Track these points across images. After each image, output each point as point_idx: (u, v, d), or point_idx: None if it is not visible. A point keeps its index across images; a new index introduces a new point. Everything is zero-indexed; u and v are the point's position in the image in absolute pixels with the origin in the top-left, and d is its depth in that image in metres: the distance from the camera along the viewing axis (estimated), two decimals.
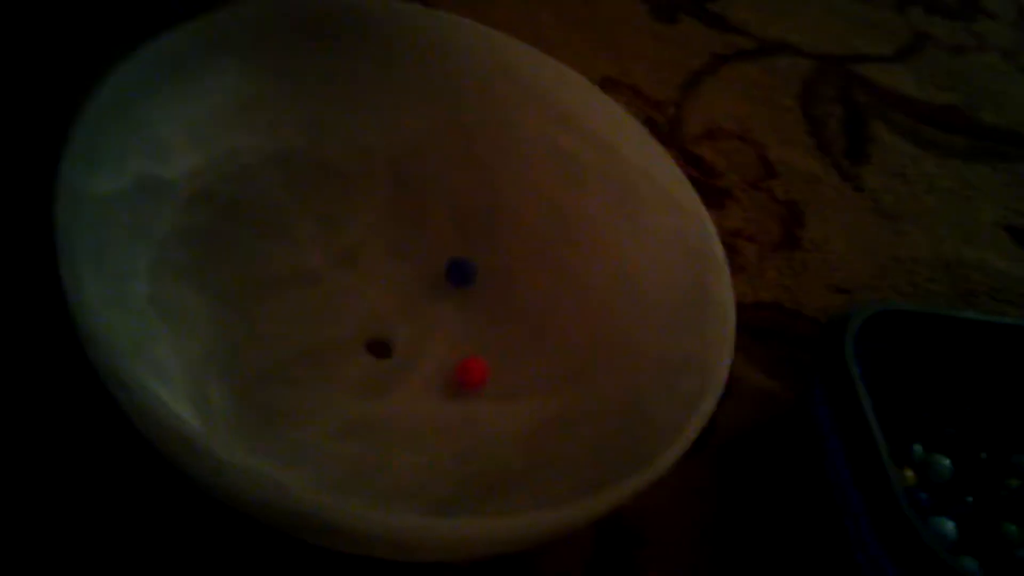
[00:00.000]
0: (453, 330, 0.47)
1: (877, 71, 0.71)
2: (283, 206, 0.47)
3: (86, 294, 0.33)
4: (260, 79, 0.46)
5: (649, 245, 0.45)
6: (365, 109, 0.48)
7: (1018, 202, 0.65)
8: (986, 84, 0.73)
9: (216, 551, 0.38)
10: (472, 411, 0.44)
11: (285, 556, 0.39)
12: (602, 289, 0.46)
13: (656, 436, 0.38)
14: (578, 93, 0.49)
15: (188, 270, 0.43)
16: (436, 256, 0.49)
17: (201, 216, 0.44)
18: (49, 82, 0.50)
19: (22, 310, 0.42)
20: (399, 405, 0.44)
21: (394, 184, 0.49)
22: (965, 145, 0.68)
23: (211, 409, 0.40)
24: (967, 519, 0.46)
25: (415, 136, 0.49)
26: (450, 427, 0.43)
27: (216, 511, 0.37)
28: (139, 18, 0.53)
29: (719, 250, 0.43)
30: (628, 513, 0.44)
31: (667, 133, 0.61)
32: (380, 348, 0.46)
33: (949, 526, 0.44)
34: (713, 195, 0.59)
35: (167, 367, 0.40)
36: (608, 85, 0.63)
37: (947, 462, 0.47)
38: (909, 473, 0.46)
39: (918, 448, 0.48)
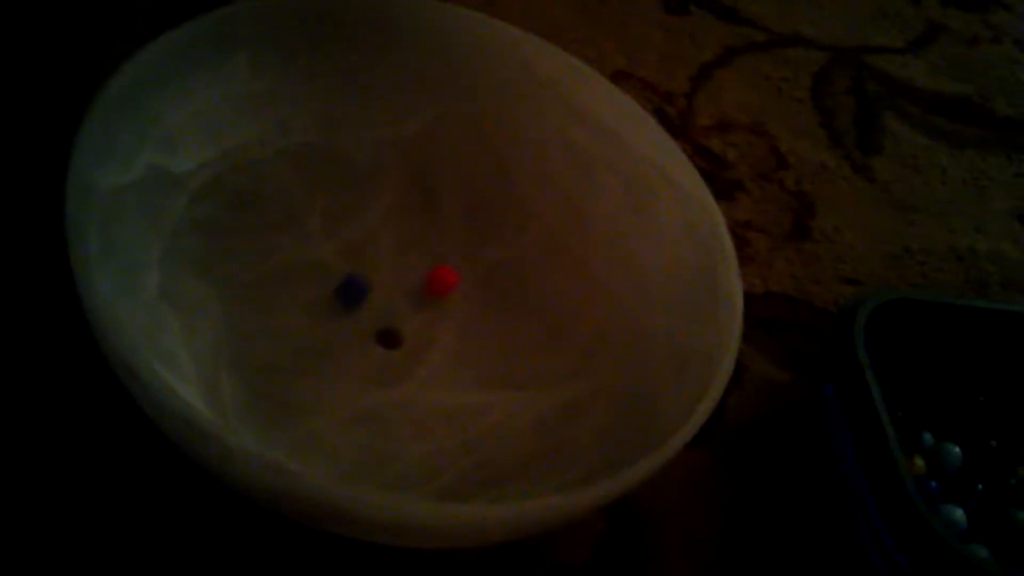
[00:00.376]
0: (462, 320, 0.47)
1: (890, 62, 0.71)
2: (293, 199, 0.47)
3: (97, 285, 0.34)
4: (271, 72, 0.46)
5: (659, 237, 0.45)
6: (376, 102, 0.49)
7: None
8: (1000, 75, 0.73)
9: (226, 538, 0.39)
10: (482, 400, 0.44)
11: (292, 543, 0.39)
12: (612, 280, 0.47)
13: (664, 424, 0.38)
14: (589, 86, 0.49)
15: (199, 262, 0.43)
16: (447, 248, 0.49)
17: (212, 208, 0.45)
18: (61, 74, 0.51)
19: (33, 302, 0.43)
20: (409, 395, 0.44)
21: (404, 176, 0.50)
22: (978, 136, 0.68)
23: (221, 399, 0.41)
24: (977, 507, 0.46)
25: (426, 129, 0.50)
26: (459, 416, 0.44)
27: (226, 498, 0.37)
28: (151, 11, 0.54)
29: (728, 242, 0.43)
30: (638, 501, 0.44)
31: (678, 125, 0.61)
32: (390, 338, 0.46)
33: (959, 514, 0.44)
34: (724, 187, 0.59)
35: (178, 357, 0.40)
36: (619, 77, 0.63)
37: (957, 450, 0.47)
38: (919, 461, 0.46)
39: (928, 436, 0.48)
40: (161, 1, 0.53)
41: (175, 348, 0.40)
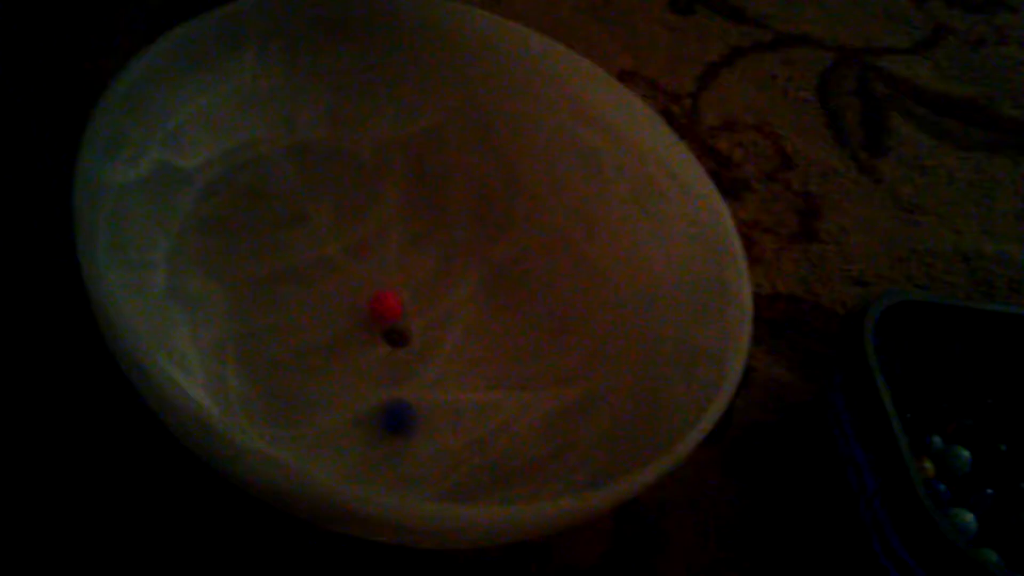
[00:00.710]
0: (469, 320, 0.47)
1: (896, 63, 0.71)
2: (300, 196, 0.47)
3: (105, 282, 0.33)
4: (278, 69, 0.46)
5: (667, 237, 0.45)
6: (383, 100, 0.49)
7: None
8: (1006, 77, 0.73)
9: (233, 536, 0.38)
10: (489, 400, 0.44)
11: (300, 542, 0.39)
12: (619, 280, 0.46)
13: (673, 425, 0.38)
14: (596, 85, 0.48)
15: (206, 259, 0.43)
16: (453, 244, 0.49)
17: (219, 205, 0.44)
18: (68, 71, 0.51)
19: (41, 298, 0.43)
20: (416, 394, 0.44)
21: (411, 175, 0.49)
22: (984, 138, 0.67)
23: (228, 396, 0.40)
24: (987, 511, 0.45)
25: (433, 127, 0.49)
26: (467, 415, 0.44)
27: (233, 496, 0.37)
28: (158, 7, 0.54)
29: (737, 242, 0.43)
30: (645, 501, 0.44)
31: (684, 125, 0.61)
32: (397, 337, 0.46)
33: (969, 518, 0.44)
34: (730, 186, 0.59)
35: (185, 355, 0.40)
36: (625, 77, 0.62)
37: (966, 454, 0.47)
38: (928, 465, 0.46)
39: (937, 440, 0.47)
40: None
41: (182, 345, 0.40)
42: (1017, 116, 0.70)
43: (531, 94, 0.49)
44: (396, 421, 0.42)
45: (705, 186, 0.45)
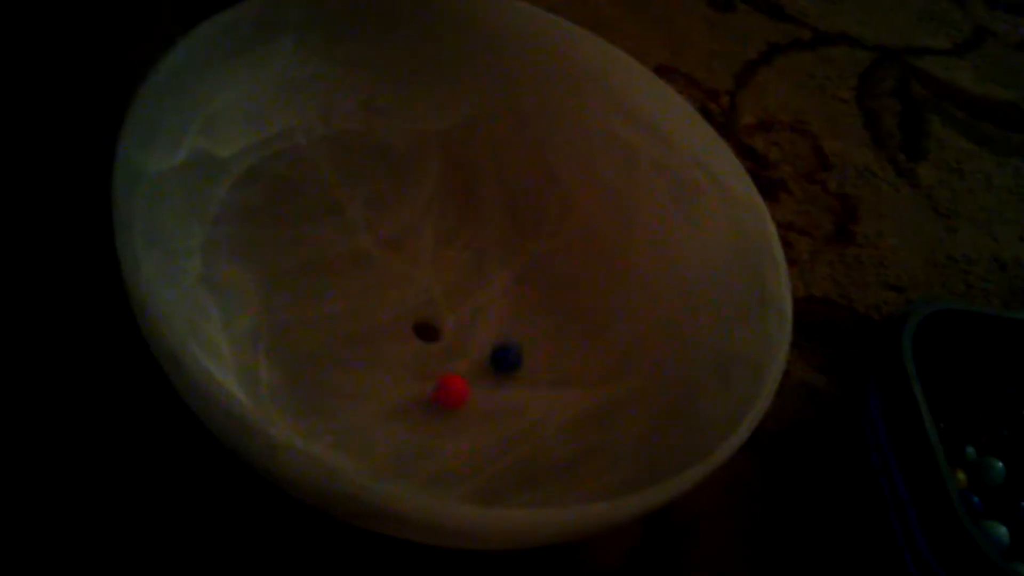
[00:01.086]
0: (502, 315, 0.47)
1: (935, 64, 0.70)
2: (334, 187, 0.47)
3: (142, 270, 0.33)
4: (315, 58, 0.45)
5: (705, 238, 0.45)
6: (419, 91, 0.48)
7: None
8: None
9: (264, 530, 0.38)
10: (519, 398, 0.44)
11: (330, 538, 0.39)
12: (655, 279, 0.46)
13: (708, 431, 0.38)
14: (635, 80, 0.48)
15: (239, 248, 0.43)
16: (487, 240, 0.48)
17: (253, 195, 0.44)
18: (107, 58, 0.50)
19: (78, 285, 0.42)
20: None
21: (446, 167, 0.49)
22: (1023, 143, 0.67)
23: (259, 387, 0.40)
24: (1020, 524, 0.45)
25: (468, 119, 0.49)
26: (497, 414, 0.43)
27: (265, 491, 0.36)
28: None
29: (777, 245, 0.42)
30: (674, 505, 0.43)
31: (721, 123, 0.61)
32: (428, 332, 0.45)
33: (1002, 531, 0.44)
34: (767, 187, 0.58)
35: (217, 344, 0.40)
36: (662, 73, 0.62)
37: (1000, 465, 0.46)
38: (961, 475, 0.46)
39: (971, 450, 0.47)
40: None
41: (215, 335, 0.40)
42: None
43: (568, 88, 0.49)
44: (505, 359, 0.44)
45: (746, 187, 0.44)
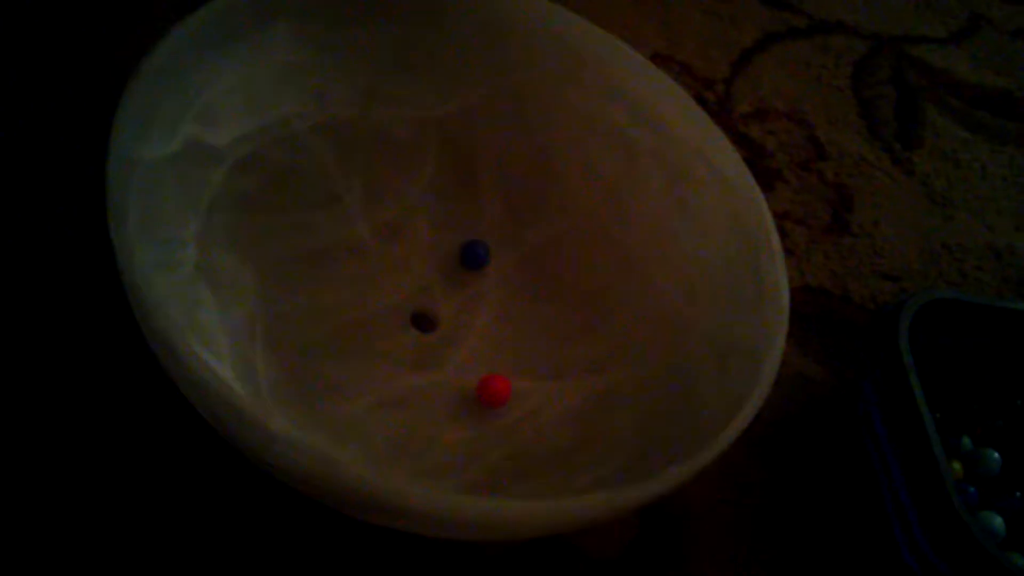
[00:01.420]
0: (499, 305, 0.46)
1: (931, 53, 0.70)
2: (331, 175, 0.47)
3: (137, 260, 0.33)
4: (312, 44, 0.45)
5: (702, 227, 0.45)
6: (417, 78, 0.48)
7: None
8: None
9: (258, 520, 0.38)
10: (518, 388, 0.44)
11: (326, 526, 0.39)
12: (651, 268, 0.46)
13: (705, 422, 0.38)
14: (632, 68, 0.48)
15: (235, 237, 0.43)
16: (484, 228, 0.48)
17: (249, 183, 0.44)
18: (99, 46, 0.50)
19: (72, 276, 0.42)
20: (443, 380, 0.44)
21: (443, 155, 0.49)
22: (1019, 131, 0.66)
23: (256, 378, 0.40)
24: (1016, 515, 0.45)
25: (465, 107, 0.49)
26: None
27: (259, 481, 0.36)
28: None
29: (774, 234, 0.42)
30: (671, 495, 0.43)
31: (716, 111, 0.60)
32: (425, 322, 0.45)
33: (997, 521, 0.44)
34: (762, 176, 0.58)
35: (213, 335, 0.39)
36: (657, 61, 0.61)
37: (996, 455, 0.46)
38: (957, 466, 0.46)
39: (967, 441, 0.47)
40: None
41: (211, 325, 0.39)
42: None
43: (566, 77, 0.48)
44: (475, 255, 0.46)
45: (743, 177, 0.44)
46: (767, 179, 0.58)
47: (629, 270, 0.46)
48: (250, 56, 0.43)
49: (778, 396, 0.48)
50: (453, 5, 0.47)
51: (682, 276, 0.45)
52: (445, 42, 0.48)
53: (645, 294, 0.45)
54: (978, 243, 0.59)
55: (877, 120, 0.64)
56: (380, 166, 0.47)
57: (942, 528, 0.40)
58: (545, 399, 0.43)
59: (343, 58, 0.46)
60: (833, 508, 0.45)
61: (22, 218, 0.43)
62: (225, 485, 0.38)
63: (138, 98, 0.37)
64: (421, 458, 0.40)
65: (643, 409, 0.42)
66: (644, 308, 0.45)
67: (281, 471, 0.32)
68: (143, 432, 0.39)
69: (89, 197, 0.35)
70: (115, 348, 0.40)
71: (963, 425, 0.48)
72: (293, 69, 0.45)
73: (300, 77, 0.45)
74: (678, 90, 0.47)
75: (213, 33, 0.41)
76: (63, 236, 0.43)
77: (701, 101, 0.60)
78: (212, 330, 0.39)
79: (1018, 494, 0.46)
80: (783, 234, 0.55)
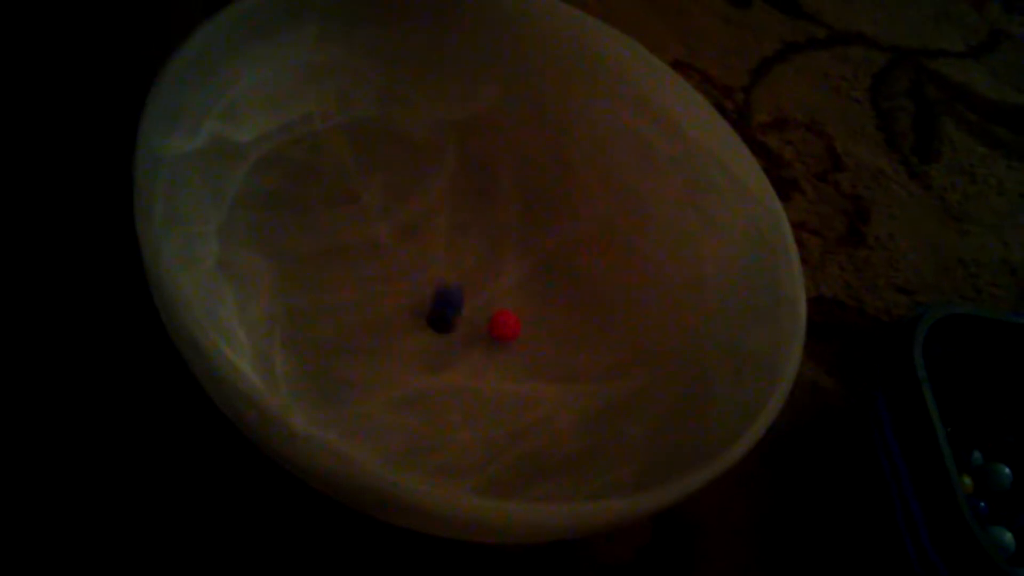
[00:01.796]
0: (515, 307, 0.47)
1: (951, 67, 0.70)
2: (351, 175, 0.47)
3: (162, 254, 0.33)
4: (336, 44, 0.45)
5: (720, 235, 0.45)
6: (438, 81, 0.48)
7: None
8: None
9: (276, 518, 0.38)
10: (532, 390, 0.44)
11: (340, 525, 0.39)
12: (668, 275, 0.46)
13: (720, 430, 0.38)
14: (652, 74, 0.48)
15: (256, 234, 0.43)
16: (501, 232, 0.48)
17: (270, 181, 0.44)
18: (132, 41, 0.50)
19: (98, 271, 0.42)
20: (458, 381, 0.44)
21: (462, 157, 0.49)
22: None
23: (274, 374, 0.40)
24: None
25: (485, 110, 0.49)
26: (508, 406, 0.43)
27: (279, 478, 0.37)
28: None
29: (792, 244, 0.42)
30: (683, 503, 0.43)
31: (735, 120, 0.61)
32: (441, 323, 0.45)
33: (1008, 536, 0.44)
34: (779, 185, 0.58)
35: (233, 330, 0.40)
36: (677, 68, 0.61)
37: (1007, 471, 0.46)
38: (967, 480, 0.46)
39: (978, 455, 0.47)
40: None
41: (231, 321, 0.40)
42: None
43: (587, 82, 0.49)
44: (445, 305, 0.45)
45: (762, 185, 0.44)
46: (784, 189, 0.58)
47: (646, 277, 0.46)
48: (275, 55, 0.43)
49: (791, 405, 0.49)
50: (475, 9, 0.47)
51: (699, 283, 0.45)
52: (467, 46, 0.48)
53: (662, 301, 0.45)
54: (993, 258, 0.59)
55: (895, 133, 0.64)
56: (400, 167, 0.48)
57: (952, 542, 0.40)
58: (559, 403, 0.44)
59: (366, 59, 0.46)
60: (844, 519, 0.46)
61: (49, 211, 0.44)
62: (244, 481, 0.39)
63: (166, 94, 0.37)
64: (434, 458, 0.41)
65: (658, 416, 0.42)
66: (660, 315, 0.45)
67: (301, 468, 0.32)
68: (165, 427, 0.39)
69: (115, 190, 0.35)
70: (137, 342, 0.40)
71: (974, 440, 0.48)
72: (317, 69, 0.45)
73: (323, 77, 0.45)
74: (699, 98, 0.47)
75: (241, 31, 0.41)
76: (89, 229, 0.43)
77: (720, 109, 0.60)
78: (232, 325, 0.39)
79: None
80: (798, 244, 0.55)
